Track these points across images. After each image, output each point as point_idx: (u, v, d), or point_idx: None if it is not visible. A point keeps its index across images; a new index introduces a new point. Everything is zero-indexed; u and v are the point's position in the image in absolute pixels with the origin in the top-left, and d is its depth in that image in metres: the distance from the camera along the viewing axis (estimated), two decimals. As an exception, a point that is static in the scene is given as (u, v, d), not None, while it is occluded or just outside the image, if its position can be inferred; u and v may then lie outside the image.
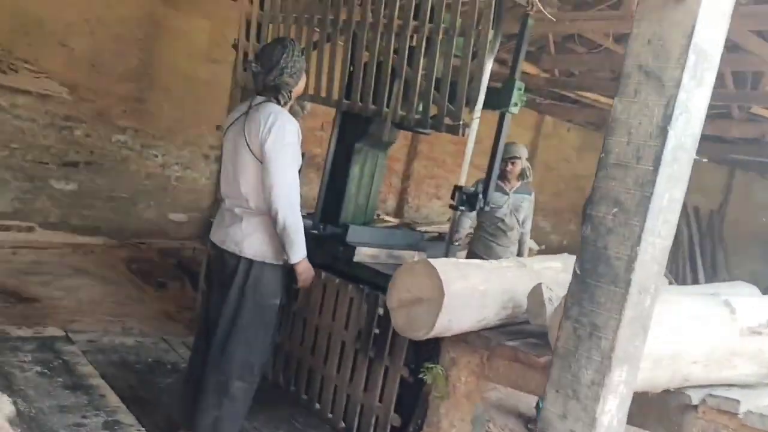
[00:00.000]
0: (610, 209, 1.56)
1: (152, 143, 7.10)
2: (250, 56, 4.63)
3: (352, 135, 4.25)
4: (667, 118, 1.50)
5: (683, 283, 12.54)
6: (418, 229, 8.15)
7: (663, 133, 1.50)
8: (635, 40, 1.55)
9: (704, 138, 8.72)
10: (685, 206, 13.75)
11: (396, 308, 2.73)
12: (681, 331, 2.08)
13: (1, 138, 6.11)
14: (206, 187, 7.65)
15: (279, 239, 2.92)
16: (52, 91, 6.22)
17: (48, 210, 6.52)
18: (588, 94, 9.18)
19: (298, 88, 3.13)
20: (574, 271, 1.63)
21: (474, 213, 5.28)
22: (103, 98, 6.64)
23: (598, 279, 1.57)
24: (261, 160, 2.88)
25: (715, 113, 9.07)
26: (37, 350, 3.80)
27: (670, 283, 4.19)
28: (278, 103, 2.99)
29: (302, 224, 2.93)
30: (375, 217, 8.87)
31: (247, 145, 2.91)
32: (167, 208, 7.36)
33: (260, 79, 2.99)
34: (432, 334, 2.61)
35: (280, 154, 2.85)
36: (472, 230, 5.72)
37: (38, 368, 3.57)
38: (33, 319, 4.39)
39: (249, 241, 2.97)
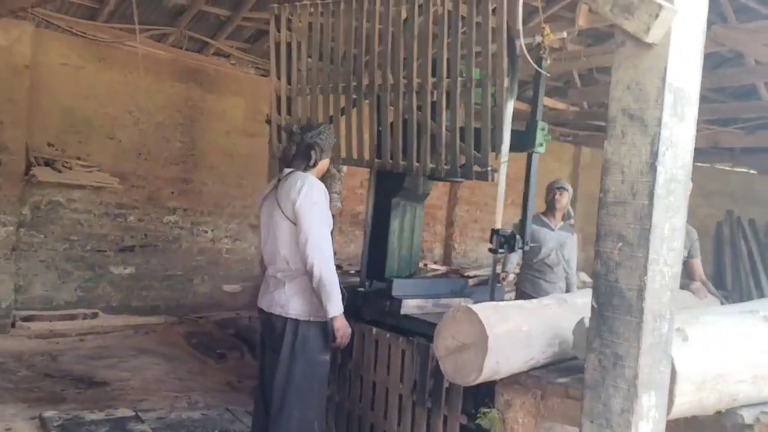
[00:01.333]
0: (615, 244, 1.65)
1: (201, 220, 7.42)
2: (283, 128, 4.88)
3: (388, 191, 4.39)
4: (654, 155, 1.60)
5: (749, 297, 12.13)
6: (467, 274, 8.18)
7: (652, 169, 1.60)
8: (616, 87, 1.66)
9: (750, 151, 8.67)
10: (739, 220, 13.48)
11: (444, 356, 2.79)
12: (722, 351, 2.09)
13: (61, 232, 6.49)
14: (256, 256, 7.88)
15: (316, 295, 3.07)
16: (104, 182, 6.60)
17: (109, 295, 6.84)
18: (621, 121, 9.18)
19: (324, 163, 3.43)
20: (592, 306, 1.71)
21: (519, 252, 5.33)
22: (151, 183, 7.01)
23: (614, 311, 1.65)
24: (291, 220, 3.12)
25: (756, 125, 8.97)
26: (110, 431, 3.96)
27: (722, 303, 4.14)
28: (304, 169, 3.28)
29: (337, 279, 3.11)
30: (422, 266, 8.96)
31: (281, 211, 3.16)
32: (221, 281, 7.61)
33: (296, 139, 3.31)
34: (482, 378, 2.66)
35: (310, 212, 3.10)
36: (518, 269, 5.75)
37: (112, 449, 3.73)
38: (104, 402, 4.59)
39: (293, 302, 3.16)
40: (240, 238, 7.76)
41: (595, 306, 1.69)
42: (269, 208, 3.30)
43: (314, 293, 3.13)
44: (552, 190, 5.37)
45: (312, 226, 3.08)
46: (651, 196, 1.59)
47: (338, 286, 3.11)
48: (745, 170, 13.42)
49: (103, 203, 6.71)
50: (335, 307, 3.09)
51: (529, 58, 3.05)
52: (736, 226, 13.45)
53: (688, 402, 1.98)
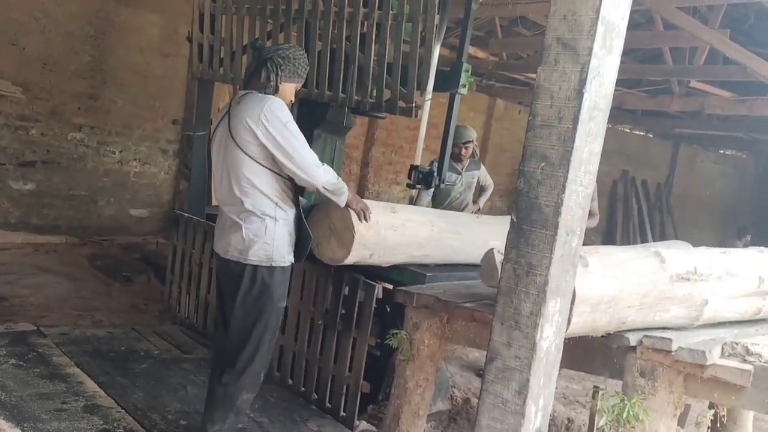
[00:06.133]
0: (538, 164, 1.81)
1: (109, 140, 7.12)
2: (205, 48, 4.74)
3: (310, 122, 4.38)
4: (582, 82, 1.76)
5: (635, 254, 13.03)
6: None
7: (579, 95, 1.76)
8: (553, 17, 1.81)
9: (648, 114, 9.15)
10: (633, 180, 14.31)
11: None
12: (616, 278, 2.31)
13: (-46, 140, 6.08)
14: (165, 181, 7.69)
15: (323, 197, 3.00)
16: (6, 91, 6.20)
17: (7, 211, 6.51)
18: (536, 76, 9.45)
19: (288, 87, 2.96)
20: (512, 220, 1.88)
21: (431, 192, 5.54)
22: (56, 96, 6.64)
23: (532, 225, 1.83)
24: (249, 155, 2.77)
25: (657, 89, 9.49)
26: (10, 344, 3.86)
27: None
28: (262, 90, 2.86)
29: (334, 174, 2.96)
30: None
31: (235, 141, 2.78)
32: (127, 204, 7.40)
33: (258, 54, 2.90)
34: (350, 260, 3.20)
35: (284, 135, 2.74)
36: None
37: (14, 361, 3.64)
38: (2, 316, 4.45)
39: (254, 246, 2.86)
40: (149, 162, 7.52)
41: (515, 220, 1.85)
42: (222, 138, 2.87)
43: (279, 237, 2.88)
44: (457, 145, 5.40)
45: (293, 150, 2.74)
46: (575, 120, 1.75)
47: (339, 180, 2.96)
48: (643, 133, 14.28)
49: (3, 113, 6.30)
50: (343, 195, 2.99)
51: None
52: (630, 185, 14.36)
53: (582, 321, 2.19)
